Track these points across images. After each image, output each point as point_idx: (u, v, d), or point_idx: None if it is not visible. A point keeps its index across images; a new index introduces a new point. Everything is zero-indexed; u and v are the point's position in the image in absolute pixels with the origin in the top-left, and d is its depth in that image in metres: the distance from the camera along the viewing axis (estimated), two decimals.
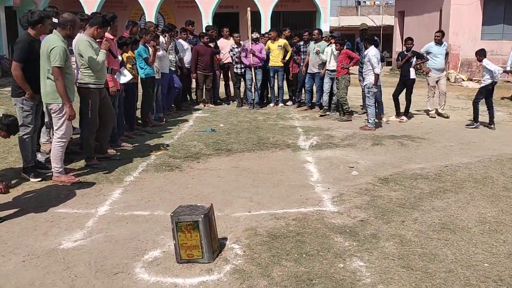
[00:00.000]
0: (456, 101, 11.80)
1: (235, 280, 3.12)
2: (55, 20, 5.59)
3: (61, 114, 5.05)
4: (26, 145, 5.24)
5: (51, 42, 4.90)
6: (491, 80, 8.51)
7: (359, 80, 9.92)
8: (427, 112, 9.82)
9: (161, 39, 8.79)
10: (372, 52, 8.32)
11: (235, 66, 10.89)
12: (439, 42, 9.48)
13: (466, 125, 8.80)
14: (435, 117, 9.51)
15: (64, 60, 4.91)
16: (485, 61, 8.58)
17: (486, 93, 8.60)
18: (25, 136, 5.20)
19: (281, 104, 11.30)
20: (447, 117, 9.42)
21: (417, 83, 9.60)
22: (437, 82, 9.53)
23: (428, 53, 9.46)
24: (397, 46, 22.22)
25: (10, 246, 3.67)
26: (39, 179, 5.22)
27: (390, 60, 22.51)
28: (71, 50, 5.63)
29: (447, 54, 9.75)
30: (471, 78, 17.01)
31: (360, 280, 3.10)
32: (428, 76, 9.62)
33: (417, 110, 10.10)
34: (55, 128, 5.18)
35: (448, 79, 13.36)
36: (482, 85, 8.72)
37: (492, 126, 8.57)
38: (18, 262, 3.40)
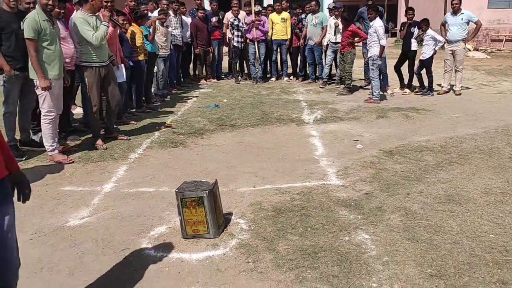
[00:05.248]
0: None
1: (241, 255, 3.14)
2: None
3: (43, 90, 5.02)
4: (8, 123, 5.23)
5: (27, 16, 4.85)
6: (434, 48, 8.78)
7: (363, 53, 9.79)
8: (440, 86, 9.24)
9: (155, 13, 8.64)
10: (379, 23, 8.18)
11: (234, 39, 10.76)
12: (455, 12, 8.79)
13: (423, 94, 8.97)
14: (443, 93, 9.00)
15: (36, 33, 4.81)
16: (431, 32, 8.75)
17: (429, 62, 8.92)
18: (7, 114, 5.18)
19: (285, 78, 11.23)
20: (459, 94, 8.86)
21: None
22: (453, 55, 8.88)
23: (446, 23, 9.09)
24: (402, 17, 21.86)
25: (17, 224, 3.65)
26: (23, 159, 5.21)
27: (394, 31, 22.17)
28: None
29: (476, 23, 8.83)
30: (477, 48, 16.78)
31: (365, 253, 3.11)
32: (443, 49, 9.16)
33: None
34: (40, 105, 5.13)
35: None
36: (429, 55, 8.79)
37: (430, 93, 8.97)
38: (26, 240, 3.43)
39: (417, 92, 9.11)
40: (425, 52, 8.79)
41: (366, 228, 3.48)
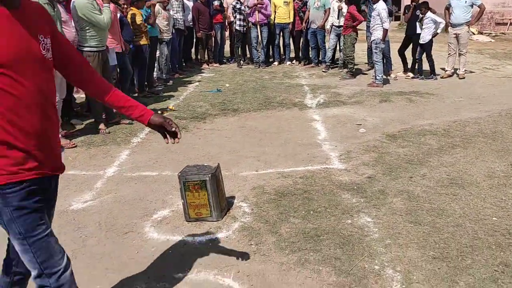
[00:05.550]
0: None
1: (243, 237, 3.15)
2: None
3: None
4: None
5: None
6: (434, 31, 8.56)
7: (367, 36, 9.69)
8: (443, 70, 9.16)
9: None
10: (382, 6, 8.07)
11: (236, 23, 10.66)
12: None
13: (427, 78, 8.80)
14: (447, 76, 8.91)
15: None
16: (430, 14, 8.55)
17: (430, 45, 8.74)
18: None
19: (288, 63, 11.16)
20: (462, 78, 8.75)
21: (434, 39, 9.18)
22: (457, 39, 8.72)
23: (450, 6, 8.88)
24: (406, 0, 21.59)
25: None
26: None
27: (398, 15, 21.94)
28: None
29: (479, 7, 8.69)
30: (482, 31, 16.60)
31: (368, 236, 3.12)
32: (447, 32, 9.03)
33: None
34: None
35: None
36: (429, 37, 8.59)
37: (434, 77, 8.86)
38: None
39: (413, 77, 8.99)
40: (425, 35, 8.66)
41: (368, 211, 3.48)
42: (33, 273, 1.78)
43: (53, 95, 1.84)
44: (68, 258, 1.85)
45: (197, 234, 3.23)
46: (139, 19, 7.16)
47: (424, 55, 8.80)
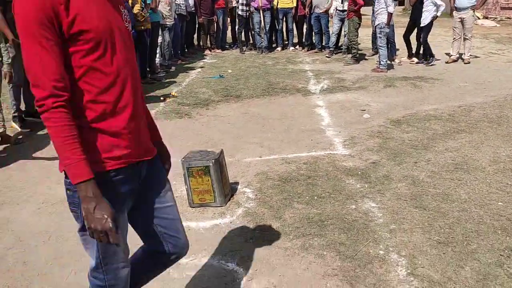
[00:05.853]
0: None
1: (247, 222, 3.14)
2: None
3: None
4: (13, 93, 5.28)
5: None
6: (435, 14, 8.39)
7: (372, 21, 9.58)
8: (448, 55, 9.11)
9: None
10: None
11: (239, 8, 10.57)
12: None
13: (427, 64, 8.65)
14: (452, 61, 8.84)
15: None
16: None
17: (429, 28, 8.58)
18: (13, 84, 5.19)
19: (291, 48, 11.07)
20: (467, 63, 8.66)
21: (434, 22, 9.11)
22: (462, 23, 8.63)
23: None
24: None
25: (25, 194, 3.72)
26: (28, 130, 5.27)
27: (402, 0, 21.70)
28: None
29: None
30: (487, 16, 16.40)
31: (372, 221, 3.10)
32: (452, 16, 8.92)
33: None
34: None
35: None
36: (429, 20, 8.42)
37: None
38: (34, 210, 3.45)
39: (418, 62, 8.91)
40: (425, 18, 8.52)
41: (373, 196, 3.46)
42: (91, 263, 1.67)
43: (138, 70, 1.67)
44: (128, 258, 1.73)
45: (201, 219, 3.23)
46: (136, 8, 7.07)
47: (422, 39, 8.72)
